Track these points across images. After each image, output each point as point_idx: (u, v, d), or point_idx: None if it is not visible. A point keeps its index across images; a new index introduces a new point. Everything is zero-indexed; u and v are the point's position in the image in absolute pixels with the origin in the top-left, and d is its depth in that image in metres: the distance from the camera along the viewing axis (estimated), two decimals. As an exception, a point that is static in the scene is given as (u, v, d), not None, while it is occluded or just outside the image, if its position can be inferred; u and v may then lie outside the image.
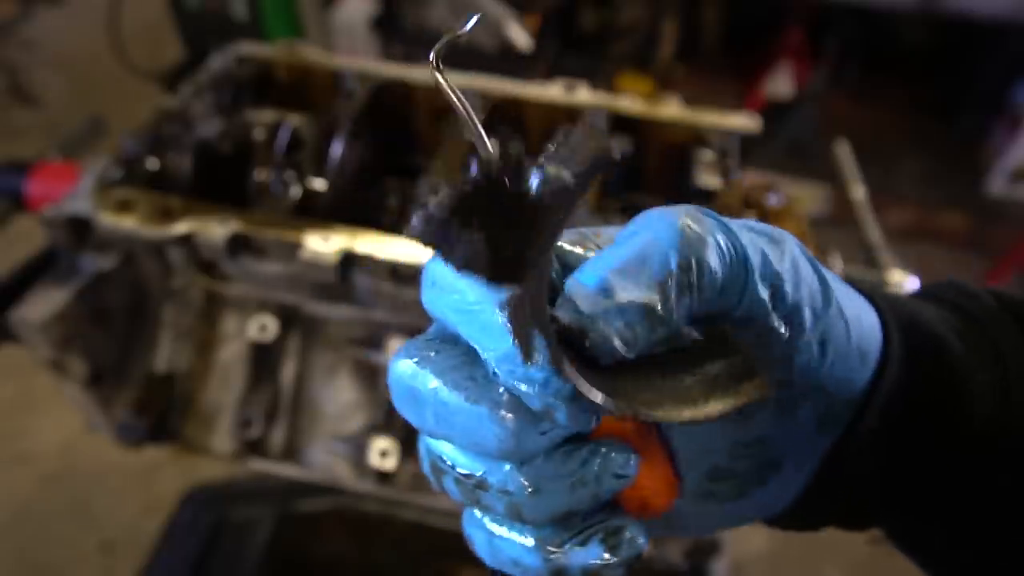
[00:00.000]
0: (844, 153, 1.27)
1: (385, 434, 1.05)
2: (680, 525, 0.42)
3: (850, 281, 0.43)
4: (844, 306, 0.37)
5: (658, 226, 0.32)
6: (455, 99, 0.32)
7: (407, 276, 0.94)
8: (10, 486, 2.26)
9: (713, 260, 0.32)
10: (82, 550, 2.13)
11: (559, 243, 0.36)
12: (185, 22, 2.87)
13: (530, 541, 0.35)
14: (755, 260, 0.33)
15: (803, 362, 0.36)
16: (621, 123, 1.15)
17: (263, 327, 1.06)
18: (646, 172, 1.20)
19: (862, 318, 0.39)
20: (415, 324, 1.05)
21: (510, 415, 0.31)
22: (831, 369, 0.37)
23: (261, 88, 1.24)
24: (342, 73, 1.20)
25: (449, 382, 0.32)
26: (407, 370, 0.33)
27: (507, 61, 2.66)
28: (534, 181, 0.27)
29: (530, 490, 0.33)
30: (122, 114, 1.65)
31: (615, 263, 0.31)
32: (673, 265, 0.31)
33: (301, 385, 1.11)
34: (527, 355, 0.29)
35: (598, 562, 0.35)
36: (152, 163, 1.06)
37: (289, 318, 1.09)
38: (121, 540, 2.15)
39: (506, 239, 0.25)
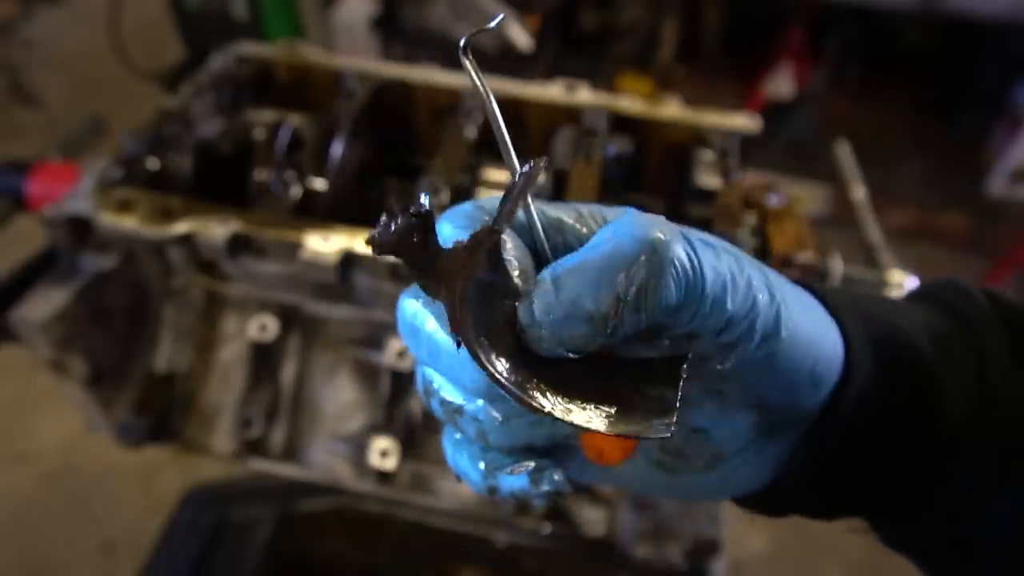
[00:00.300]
0: (844, 153, 1.27)
1: (385, 434, 1.05)
2: (633, 481, 0.46)
3: (848, 281, 0.44)
4: (799, 332, 0.39)
5: (626, 241, 0.34)
6: (482, 90, 0.37)
7: (407, 276, 0.94)
8: (10, 486, 2.26)
9: (670, 286, 0.34)
10: (82, 550, 2.13)
11: (560, 216, 0.40)
12: (185, 22, 2.88)
13: (481, 464, 0.41)
14: (713, 290, 0.35)
15: (743, 382, 0.39)
16: (621, 123, 1.15)
17: (263, 327, 1.06)
18: (646, 172, 1.20)
19: (820, 342, 0.40)
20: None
21: None
22: (774, 391, 0.40)
23: (261, 88, 1.24)
24: (342, 73, 1.20)
25: (443, 327, 0.37)
26: (411, 308, 0.39)
27: (507, 61, 2.66)
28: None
29: (498, 422, 0.39)
30: (122, 114, 1.65)
31: (578, 269, 0.34)
32: (630, 286, 0.33)
33: (301, 385, 1.11)
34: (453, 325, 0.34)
35: (521, 489, 0.40)
36: (152, 163, 1.06)
37: (289, 318, 1.09)
38: (121, 540, 2.15)
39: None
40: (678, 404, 0.36)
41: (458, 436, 0.43)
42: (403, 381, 1.08)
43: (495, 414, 0.39)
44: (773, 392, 0.40)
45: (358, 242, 0.94)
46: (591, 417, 0.35)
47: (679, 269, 0.34)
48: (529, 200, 0.38)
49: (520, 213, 0.38)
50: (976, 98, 3.59)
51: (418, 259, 0.35)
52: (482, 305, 0.35)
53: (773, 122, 2.03)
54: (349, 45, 2.98)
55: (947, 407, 0.42)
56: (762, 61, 3.54)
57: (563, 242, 0.40)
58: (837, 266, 0.95)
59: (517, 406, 0.35)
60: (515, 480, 0.40)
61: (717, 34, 3.87)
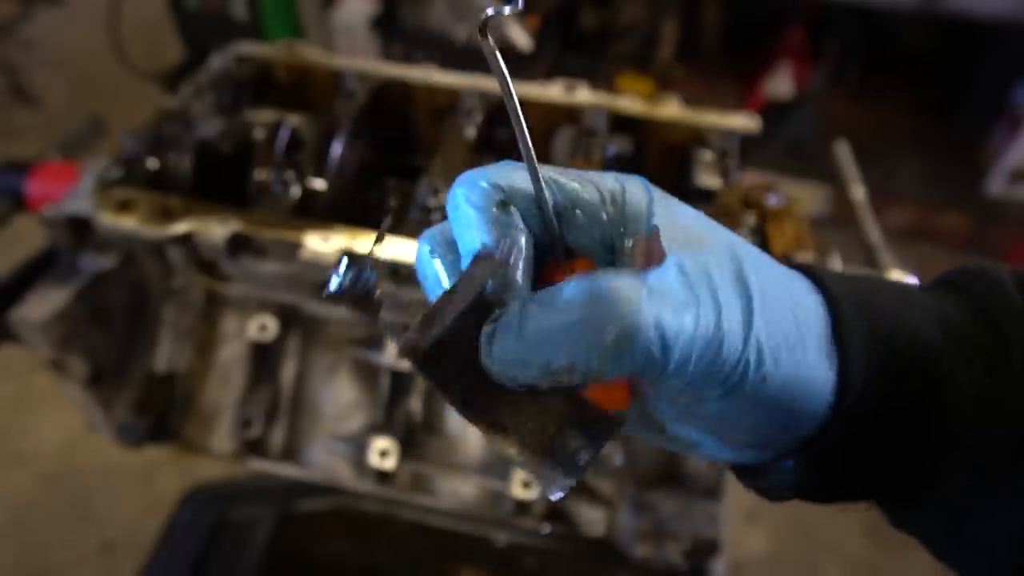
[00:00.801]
0: (844, 153, 1.27)
1: (385, 434, 1.05)
2: (628, 429, 0.46)
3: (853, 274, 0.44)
4: (776, 376, 0.37)
5: (599, 311, 0.34)
6: (499, 73, 0.37)
7: (407, 276, 0.94)
8: (10, 486, 2.26)
9: (633, 361, 0.34)
10: (82, 550, 2.13)
11: (560, 179, 0.41)
12: (185, 22, 2.88)
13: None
14: (679, 359, 0.35)
15: (712, 418, 0.40)
16: (621, 123, 1.15)
17: (263, 327, 1.06)
18: (646, 172, 1.19)
19: (802, 383, 0.38)
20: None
21: None
22: (746, 428, 0.40)
23: (261, 88, 1.24)
24: (342, 73, 1.20)
25: (447, 278, 0.41)
26: (424, 253, 0.43)
27: (507, 61, 2.66)
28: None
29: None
30: (122, 114, 1.65)
31: (543, 323, 0.35)
32: (590, 361, 0.34)
33: (301, 385, 1.11)
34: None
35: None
36: (152, 163, 1.06)
37: (289, 318, 1.09)
38: (121, 540, 2.15)
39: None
40: (585, 470, 0.38)
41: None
42: (403, 381, 1.08)
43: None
44: (746, 428, 0.40)
45: (358, 242, 0.94)
46: (512, 446, 0.38)
47: (644, 349, 0.34)
48: (538, 168, 0.39)
49: (528, 184, 0.39)
50: (976, 98, 3.58)
51: (368, 310, 0.42)
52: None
53: (773, 122, 2.03)
54: (349, 45, 2.98)
55: (955, 397, 0.40)
56: (762, 61, 3.54)
57: (571, 205, 0.40)
58: (836, 266, 0.95)
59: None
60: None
61: (717, 34, 3.87)
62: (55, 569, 2.11)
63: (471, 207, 0.39)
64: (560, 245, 0.41)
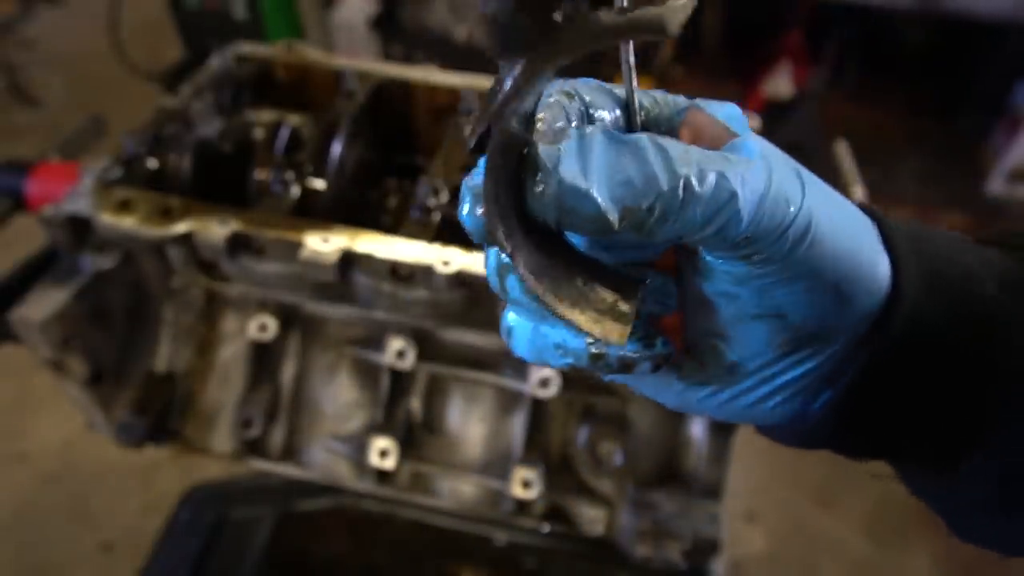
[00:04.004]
0: (844, 153, 1.27)
1: (384, 434, 1.05)
2: (647, 384, 0.45)
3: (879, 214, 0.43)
4: (824, 243, 0.36)
5: (661, 168, 0.33)
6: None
7: (407, 276, 0.94)
8: (10, 486, 2.26)
9: (700, 213, 0.33)
10: (82, 550, 2.13)
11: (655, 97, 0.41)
12: (185, 22, 2.88)
13: (582, 340, 0.39)
14: (745, 213, 0.33)
15: (756, 287, 0.37)
16: (621, 123, 1.15)
17: (263, 327, 1.06)
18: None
19: (850, 258, 0.38)
20: (415, 324, 1.05)
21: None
22: (791, 302, 0.37)
23: (261, 88, 1.24)
24: (342, 73, 1.20)
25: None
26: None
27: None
28: None
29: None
30: (122, 114, 1.65)
31: (623, 150, 0.33)
32: (657, 206, 0.32)
33: (301, 385, 1.11)
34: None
35: (634, 355, 0.39)
36: (152, 163, 1.06)
37: (289, 318, 1.09)
38: (121, 540, 2.15)
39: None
40: (633, 319, 0.36)
41: (544, 329, 0.41)
42: (403, 381, 1.08)
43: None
44: (790, 303, 0.37)
45: (358, 242, 0.94)
46: (571, 310, 0.35)
47: (721, 201, 0.33)
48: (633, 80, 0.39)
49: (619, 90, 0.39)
50: (976, 98, 3.59)
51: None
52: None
53: (773, 122, 2.02)
54: (349, 45, 2.98)
55: (1010, 347, 0.39)
56: (761, 61, 3.54)
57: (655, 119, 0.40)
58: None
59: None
60: (627, 346, 0.38)
61: (717, 34, 3.87)
62: (55, 568, 2.11)
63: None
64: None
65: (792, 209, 0.35)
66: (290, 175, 1.05)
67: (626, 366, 0.39)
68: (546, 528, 1.06)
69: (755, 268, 0.36)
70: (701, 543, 1.03)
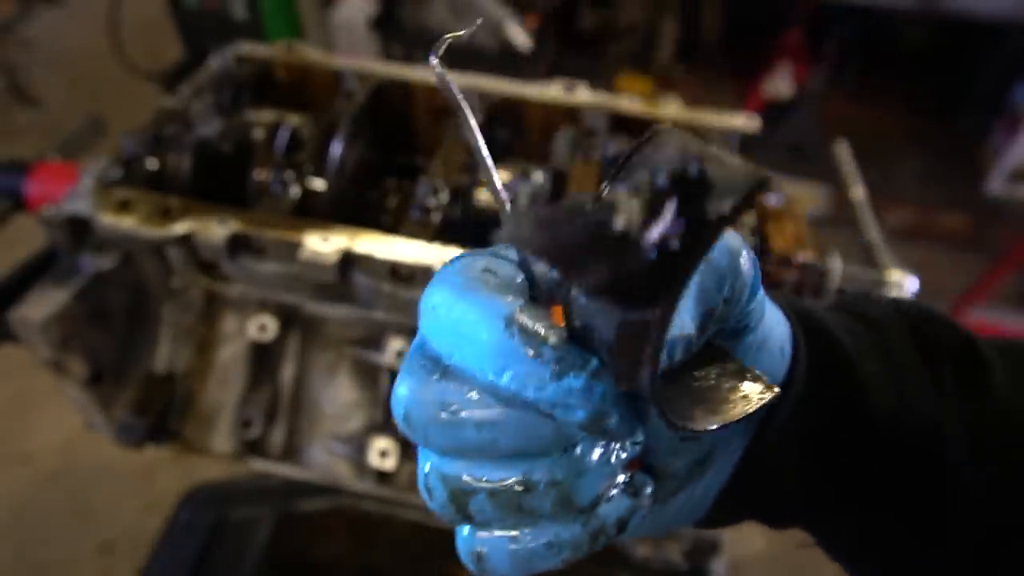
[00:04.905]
0: (844, 153, 1.27)
1: (384, 434, 1.05)
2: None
3: (848, 280, 0.45)
4: (771, 313, 0.41)
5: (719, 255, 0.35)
6: (454, 96, 0.34)
7: (407, 276, 0.94)
8: (10, 486, 2.26)
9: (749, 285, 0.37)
10: (82, 550, 2.13)
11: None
12: (185, 22, 2.87)
13: (576, 526, 0.36)
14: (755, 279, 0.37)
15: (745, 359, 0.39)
16: (621, 123, 1.15)
17: (263, 327, 1.06)
18: (646, 172, 1.20)
19: (778, 318, 0.42)
20: (414, 324, 1.05)
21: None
22: (759, 362, 0.39)
23: (261, 88, 1.24)
24: (342, 73, 1.20)
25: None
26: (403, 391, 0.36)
27: (507, 61, 2.66)
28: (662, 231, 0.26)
29: (576, 472, 0.35)
30: (122, 114, 1.65)
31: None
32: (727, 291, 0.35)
33: (301, 385, 1.11)
34: (629, 378, 0.30)
35: (628, 510, 0.37)
36: (152, 163, 1.06)
37: (289, 318, 1.09)
38: (121, 540, 2.15)
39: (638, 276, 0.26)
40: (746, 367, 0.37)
41: (517, 530, 0.36)
42: (403, 381, 1.08)
43: (570, 466, 0.35)
44: (757, 365, 0.40)
45: (358, 242, 0.94)
46: (719, 415, 0.34)
47: (748, 271, 0.36)
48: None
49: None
50: (976, 98, 3.59)
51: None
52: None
53: (772, 122, 2.03)
54: (349, 45, 2.98)
55: (869, 394, 0.42)
56: (761, 61, 3.54)
57: None
58: (836, 266, 0.94)
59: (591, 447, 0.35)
60: (618, 505, 0.36)
61: (717, 34, 3.87)
62: (54, 568, 2.11)
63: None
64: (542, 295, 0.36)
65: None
66: (290, 175, 1.05)
67: (623, 523, 0.37)
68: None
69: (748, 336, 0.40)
70: (701, 543, 1.03)
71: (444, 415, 0.34)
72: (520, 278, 0.35)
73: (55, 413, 2.35)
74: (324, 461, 1.10)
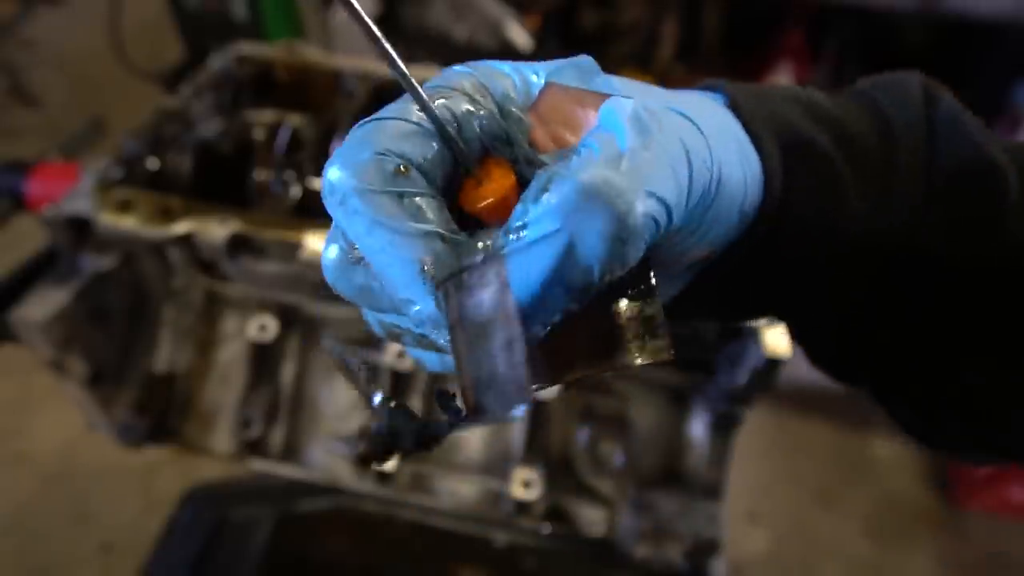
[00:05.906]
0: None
1: (385, 434, 1.05)
2: None
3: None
4: (731, 182, 0.37)
5: (585, 225, 0.31)
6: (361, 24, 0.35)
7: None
8: (10, 486, 2.26)
9: (635, 252, 0.32)
10: (82, 550, 2.13)
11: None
12: (185, 22, 2.87)
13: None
14: (675, 221, 0.34)
15: (678, 249, 0.38)
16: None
17: (263, 327, 1.06)
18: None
19: (747, 183, 0.39)
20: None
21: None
22: (709, 243, 0.39)
23: (261, 88, 1.24)
24: (342, 73, 1.20)
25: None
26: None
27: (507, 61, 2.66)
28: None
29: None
30: (122, 114, 1.65)
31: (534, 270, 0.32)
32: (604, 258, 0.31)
33: (301, 385, 1.11)
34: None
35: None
36: (152, 163, 1.06)
37: (289, 318, 1.09)
38: (121, 540, 2.15)
39: None
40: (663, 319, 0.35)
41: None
42: (403, 381, 1.08)
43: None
44: (707, 244, 0.39)
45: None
46: (610, 361, 0.35)
47: (646, 236, 0.32)
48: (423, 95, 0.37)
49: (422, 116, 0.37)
50: (976, 98, 3.58)
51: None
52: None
53: (773, 122, 2.02)
54: (349, 45, 2.98)
55: (846, 209, 0.42)
56: (761, 61, 3.55)
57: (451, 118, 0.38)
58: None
59: None
60: None
61: (717, 34, 3.87)
62: (55, 569, 2.11)
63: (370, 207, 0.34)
64: (466, 159, 0.37)
65: (706, 186, 0.36)
66: (290, 175, 1.05)
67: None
68: (546, 529, 1.06)
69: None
70: (702, 543, 1.03)
71: (365, 296, 0.38)
72: (432, 153, 0.36)
73: (55, 413, 2.35)
74: (324, 461, 1.10)
